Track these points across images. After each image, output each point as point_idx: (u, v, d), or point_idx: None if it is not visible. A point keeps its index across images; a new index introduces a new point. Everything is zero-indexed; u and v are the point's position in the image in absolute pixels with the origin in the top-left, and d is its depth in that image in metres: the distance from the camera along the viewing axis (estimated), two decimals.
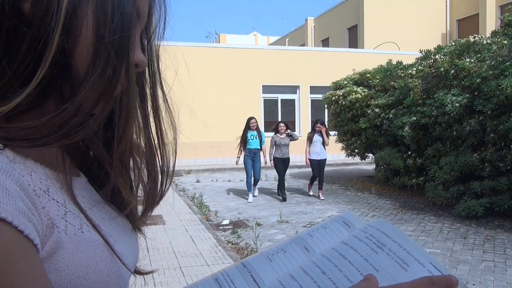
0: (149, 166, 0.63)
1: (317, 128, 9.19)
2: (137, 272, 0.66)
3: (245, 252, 5.46)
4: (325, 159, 9.27)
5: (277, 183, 9.74)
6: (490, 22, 18.99)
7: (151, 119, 0.61)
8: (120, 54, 0.51)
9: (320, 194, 9.24)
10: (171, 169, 0.65)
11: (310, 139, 9.26)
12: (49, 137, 0.48)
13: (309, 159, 9.17)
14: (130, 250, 0.60)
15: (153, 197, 0.64)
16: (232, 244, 5.87)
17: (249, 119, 9.18)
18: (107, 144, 0.59)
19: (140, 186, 0.64)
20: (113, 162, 0.57)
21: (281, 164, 9.06)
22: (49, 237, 0.45)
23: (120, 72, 0.52)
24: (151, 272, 0.71)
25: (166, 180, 0.65)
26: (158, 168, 0.63)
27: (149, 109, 0.61)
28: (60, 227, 0.47)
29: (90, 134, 0.52)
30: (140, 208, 0.66)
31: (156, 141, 0.62)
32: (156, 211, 0.67)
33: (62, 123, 0.48)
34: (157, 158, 0.63)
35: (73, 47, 0.48)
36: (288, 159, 9.19)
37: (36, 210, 0.44)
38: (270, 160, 9.17)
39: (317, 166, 9.11)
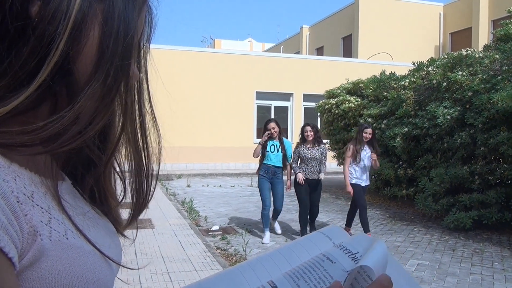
0: (137, 173, 0.63)
1: (367, 135, 6.32)
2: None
3: (233, 258, 5.44)
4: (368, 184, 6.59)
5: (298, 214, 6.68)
6: (483, 36, 19.25)
7: (139, 129, 0.61)
8: (122, 65, 0.52)
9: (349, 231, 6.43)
10: (155, 174, 0.66)
11: (354, 154, 6.33)
12: (46, 144, 0.47)
13: (353, 184, 6.31)
14: (115, 253, 0.60)
15: (141, 202, 0.65)
16: (221, 250, 5.84)
17: (267, 122, 6.42)
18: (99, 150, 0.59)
19: (126, 191, 0.65)
20: (106, 169, 0.57)
21: (304, 188, 6.28)
22: (31, 245, 0.45)
23: (120, 83, 0.52)
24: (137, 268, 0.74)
25: (151, 185, 0.65)
26: (145, 175, 0.64)
27: (137, 119, 0.61)
28: (44, 234, 0.46)
29: (85, 143, 0.51)
30: (125, 212, 0.67)
31: (142, 150, 0.63)
32: (146, 215, 0.68)
33: (60, 131, 0.48)
34: (143, 165, 0.63)
35: (77, 54, 0.49)
36: (316, 182, 6.34)
37: (16, 219, 0.43)
38: (297, 173, 6.27)
39: (362, 193, 6.38)
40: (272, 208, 6.48)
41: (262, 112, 17.19)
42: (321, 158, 6.28)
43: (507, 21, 7.73)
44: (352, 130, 10.53)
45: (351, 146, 6.37)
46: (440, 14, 22.27)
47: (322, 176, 6.29)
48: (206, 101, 16.03)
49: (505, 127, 6.54)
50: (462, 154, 7.35)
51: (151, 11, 0.60)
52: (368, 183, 6.47)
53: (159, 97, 0.65)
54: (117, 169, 0.64)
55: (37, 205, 0.47)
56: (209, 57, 16.47)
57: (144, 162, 0.63)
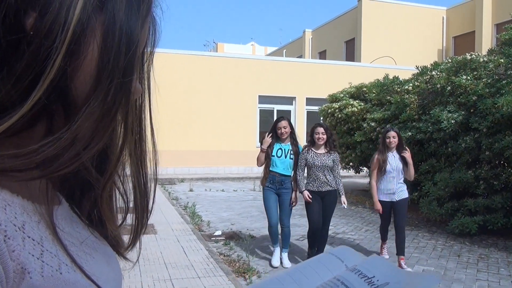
0: (137, 194, 0.59)
1: (391, 139, 5.43)
2: None
3: (237, 264, 5.39)
4: (406, 198, 5.53)
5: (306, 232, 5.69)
6: (486, 40, 19.19)
7: (139, 147, 0.58)
8: (123, 81, 0.48)
9: (401, 262, 5.38)
10: (152, 195, 0.62)
11: (380, 165, 5.45)
12: (41, 169, 0.44)
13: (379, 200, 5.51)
14: (113, 284, 0.56)
15: (141, 224, 0.61)
16: (224, 256, 5.80)
17: (278, 120, 5.38)
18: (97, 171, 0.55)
19: (127, 214, 0.62)
20: (103, 192, 0.54)
21: (316, 203, 5.19)
22: (18, 284, 0.41)
23: (121, 100, 0.48)
24: None
25: (149, 204, 0.62)
26: (143, 193, 0.60)
27: (137, 138, 0.57)
28: (35, 270, 0.43)
29: (83, 166, 0.48)
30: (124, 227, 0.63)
31: (140, 168, 0.59)
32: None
33: (56, 154, 0.44)
34: (142, 183, 0.60)
35: (75, 71, 0.45)
36: (330, 194, 5.23)
37: (1, 257, 0.40)
38: (303, 190, 5.22)
39: (389, 213, 5.52)
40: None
41: (265, 116, 17.17)
42: (332, 166, 5.21)
43: None
44: (355, 135, 10.49)
45: (376, 156, 5.53)
46: (443, 18, 22.24)
47: (344, 200, 5.26)
48: (208, 105, 16.01)
49: (510, 132, 6.49)
50: (466, 159, 7.30)
51: (155, 21, 0.56)
52: (404, 196, 5.47)
53: (161, 101, 0.61)
54: (121, 189, 0.60)
55: (29, 237, 0.43)
56: (212, 61, 16.47)
57: (142, 181, 0.59)
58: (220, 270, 4.96)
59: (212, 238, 6.74)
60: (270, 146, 5.28)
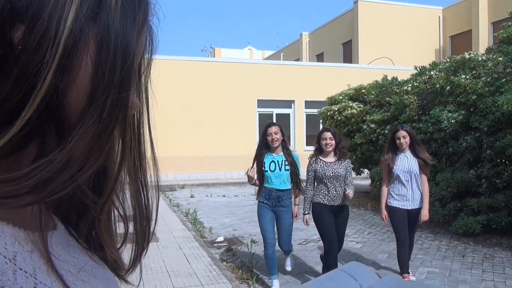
0: (137, 215, 0.55)
1: (402, 141, 4.76)
2: None
3: (240, 271, 5.35)
4: (420, 207, 4.82)
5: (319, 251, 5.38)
6: (483, 38, 19.21)
7: (138, 165, 0.54)
8: (120, 97, 0.44)
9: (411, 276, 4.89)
10: (154, 214, 0.57)
11: (388, 166, 4.91)
12: (33, 194, 0.40)
13: (389, 206, 4.88)
14: None
15: (142, 247, 0.57)
16: (227, 262, 5.75)
17: (267, 126, 4.64)
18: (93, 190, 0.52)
19: (126, 237, 0.58)
20: (101, 215, 0.50)
21: (328, 217, 4.59)
22: None
23: (118, 117, 0.45)
24: None
25: (150, 225, 0.57)
26: (144, 215, 0.56)
27: (136, 155, 0.53)
28: None
29: (78, 188, 0.44)
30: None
31: (142, 188, 0.55)
32: None
33: (49, 177, 0.40)
34: (143, 204, 0.56)
35: (67, 87, 0.41)
36: (342, 209, 4.71)
37: None
38: (305, 213, 4.70)
39: (404, 221, 4.80)
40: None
41: (264, 120, 17.12)
42: (345, 175, 4.60)
43: (509, 23, 7.68)
44: (355, 137, 10.46)
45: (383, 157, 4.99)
46: (439, 17, 22.27)
47: (350, 192, 4.53)
48: (208, 111, 15.99)
49: (511, 130, 6.47)
50: (468, 158, 7.27)
51: (152, 31, 0.53)
52: (419, 205, 4.78)
53: (160, 108, 0.57)
54: (121, 210, 0.56)
55: (20, 269, 0.40)
56: (210, 66, 16.46)
57: (143, 200, 0.55)
58: (224, 277, 4.91)
59: (214, 245, 6.70)
60: (261, 159, 4.58)
